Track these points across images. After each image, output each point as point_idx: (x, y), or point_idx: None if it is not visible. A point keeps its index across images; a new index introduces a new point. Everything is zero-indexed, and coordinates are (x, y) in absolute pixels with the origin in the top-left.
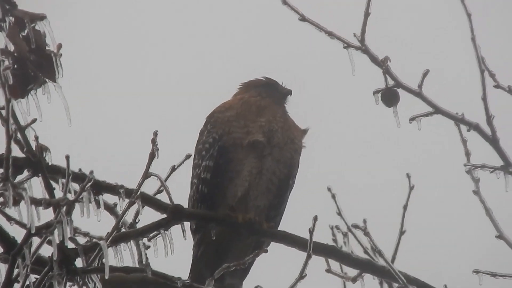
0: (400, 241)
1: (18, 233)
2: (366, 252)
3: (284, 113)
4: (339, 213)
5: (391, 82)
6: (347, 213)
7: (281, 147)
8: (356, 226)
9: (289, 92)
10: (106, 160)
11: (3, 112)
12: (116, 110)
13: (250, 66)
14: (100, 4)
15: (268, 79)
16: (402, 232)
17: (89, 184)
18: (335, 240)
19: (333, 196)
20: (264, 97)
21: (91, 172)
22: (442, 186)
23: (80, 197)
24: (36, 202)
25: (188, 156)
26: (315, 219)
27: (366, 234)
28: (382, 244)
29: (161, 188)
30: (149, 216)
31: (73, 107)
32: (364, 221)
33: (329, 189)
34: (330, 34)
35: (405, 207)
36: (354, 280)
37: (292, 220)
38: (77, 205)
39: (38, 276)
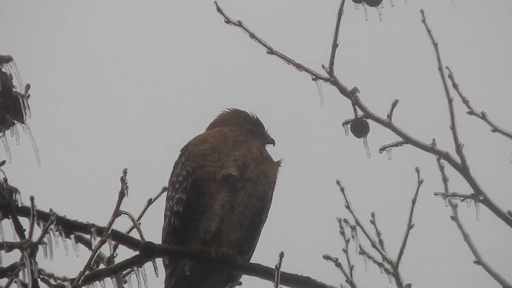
0: (408, 235)
1: None
2: (374, 246)
3: (260, 146)
4: (348, 207)
5: (360, 113)
6: (356, 207)
7: (254, 181)
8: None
9: (272, 142)
10: (77, 200)
11: None
12: (87, 146)
13: (218, 98)
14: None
15: (257, 119)
16: (410, 226)
17: (52, 225)
18: (342, 233)
19: (342, 190)
20: (245, 134)
21: (53, 214)
22: (420, 212)
23: (43, 238)
24: None
25: (164, 189)
26: (281, 255)
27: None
28: (390, 238)
29: (139, 222)
30: (128, 251)
31: (42, 147)
32: (373, 215)
33: (338, 182)
34: (298, 66)
35: (413, 201)
36: None
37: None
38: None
39: None
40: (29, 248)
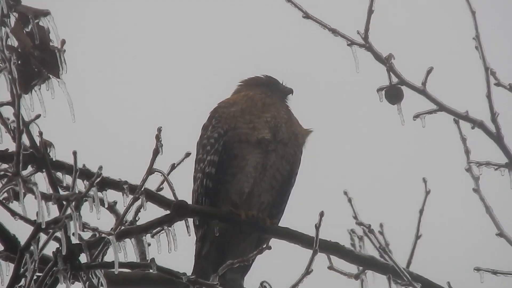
0: (416, 245)
1: (17, 229)
2: (382, 256)
3: (288, 110)
4: (355, 217)
5: (395, 80)
6: (363, 217)
7: (285, 143)
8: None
9: (290, 91)
10: (109, 156)
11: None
12: (118, 106)
13: (253, 64)
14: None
15: (269, 77)
16: (418, 237)
17: (98, 179)
18: (353, 245)
19: (349, 200)
20: (269, 95)
21: (100, 168)
22: (443, 184)
23: (89, 192)
24: (46, 197)
25: (187, 154)
26: (321, 214)
27: (371, 231)
28: (397, 248)
29: (162, 186)
30: (149, 213)
31: (77, 103)
32: (381, 225)
33: (345, 193)
34: (334, 31)
35: (421, 212)
36: (356, 277)
37: (297, 217)
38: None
39: (40, 274)
40: (75, 201)
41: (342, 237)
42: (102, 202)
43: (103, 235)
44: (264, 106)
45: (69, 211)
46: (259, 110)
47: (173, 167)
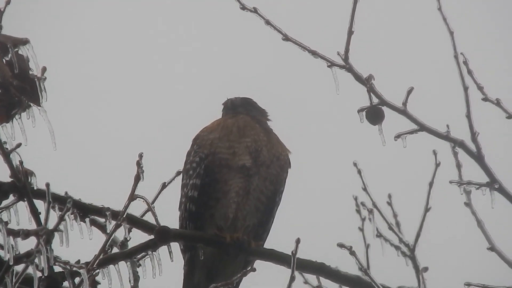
0: (425, 218)
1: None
2: (390, 228)
3: (266, 129)
4: (365, 189)
5: (375, 100)
6: (373, 190)
7: (268, 165)
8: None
9: (265, 112)
10: (91, 182)
11: None
12: (100, 132)
13: (233, 85)
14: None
15: (242, 99)
16: (427, 209)
17: (68, 212)
18: (358, 211)
19: (359, 172)
20: (240, 117)
21: (69, 201)
22: (436, 196)
23: (60, 226)
24: (14, 233)
25: (178, 173)
26: (298, 241)
27: (352, 253)
28: (407, 221)
29: (151, 207)
30: (142, 235)
31: (58, 131)
32: (389, 196)
33: (355, 164)
34: (314, 53)
35: (430, 184)
36: None
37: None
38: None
39: None
40: (45, 235)
41: (349, 210)
42: (92, 223)
43: (74, 269)
44: (239, 131)
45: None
46: (235, 135)
47: (164, 186)
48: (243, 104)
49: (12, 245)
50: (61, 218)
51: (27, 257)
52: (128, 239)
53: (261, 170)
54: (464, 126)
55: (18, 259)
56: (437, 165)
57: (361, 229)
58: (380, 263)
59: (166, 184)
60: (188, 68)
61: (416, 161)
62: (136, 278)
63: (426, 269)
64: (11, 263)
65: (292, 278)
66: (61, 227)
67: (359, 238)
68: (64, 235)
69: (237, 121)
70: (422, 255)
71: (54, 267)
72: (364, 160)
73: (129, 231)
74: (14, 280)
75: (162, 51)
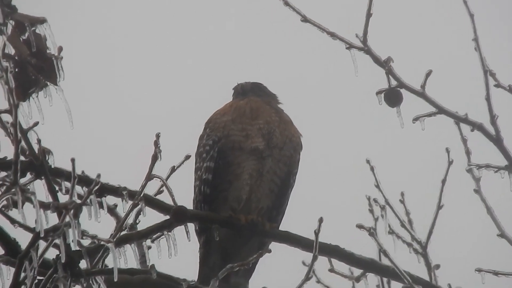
0: (438, 216)
1: (18, 234)
2: (403, 225)
3: (277, 110)
4: (377, 186)
5: (394, 83)
6: (385, 186)
7: (281, 147)
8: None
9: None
10: (108, 162)
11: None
12: (117, 111)
13: (251, 68)
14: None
15: (253, 83)
16: (440, 207)
17: (96, 187)
18: (371, 211)
19: (372, 169)
20: (252, 99)
21: (98, 176)
22: (436, 190)
23: (88, 200)
24: (44, 206)
25: (187, 157)
26: (321, 220)
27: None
28: (419, 218)
29: (162, 189)
30: (151, 217)
31: (75, 110)
32: (402, 194)
33: (368, 161)
34: (332, 35)
35: (443, 182)
36: (357, 279)
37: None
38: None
39: (42, 278)
40: (74, 209)
41: (361, 208)
42: (101, 205)
43: (102, 242)
44: (252, 112)
45: (67, 219)
46: (249, 117)
47: (173, 170)
48: (253, 89)
49: (42, 217)
50: (90, 192)
51: (54, 231)
52: (137, 222)
53: (274, 152)
54: (481, 111)
55: (46, 232)
56: (450, 162)
57: (374, 229)
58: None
59: (176, 167)
60: (203, 52)
61: (428, 157)
62: (144, 261)
63: (438, 266)
64: (41, 235)
65: (315, 257)
66: (89, 201)
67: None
68: (93, 209)
69: (249, 102)
70: (435, 253)
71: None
72: (376, 156)
73: (137, 214)
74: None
75: (177, 35)
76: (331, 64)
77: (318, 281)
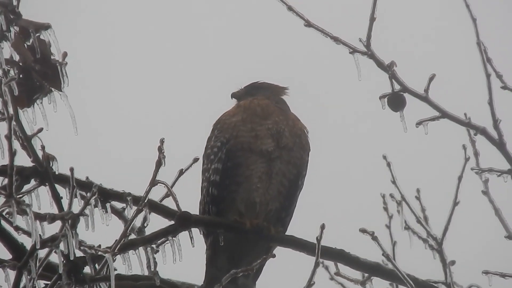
0: (454, 212)
1: (27, 241)
2: (419, 221)
3: (283, 110)
4: (394, 182)
5: (397, 87)
6: (401, 183)
7: (291, 148)
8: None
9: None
10: (112, 167)
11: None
12: (121, 117)
13: (254, 73)
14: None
15: (261, 83)
16: (456, 203)
17: (93, 197)
18: (385, 209)
19: (388, 164)
20: (259, 98)
21: (95, 186)
22: (451, 187)
23: (85, 210)
24: (40, 217)
25: (195, 160)
26: (323, 227)
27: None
28: (435, 214)
29: (168, 193)
30: (158, 220)
31: (79, 116)
32: (418, 191)
33: (384, 157)
34: (336, 39)
35: (459, 178)
36: (363, 283)
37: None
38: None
39: (47, 283)
40: (71, 220)
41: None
42: (106, 211)
43: (99, 253)
44: (263, 111)
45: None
46: (259, 116)
47: (181, 173)
48: (247, 92)
49: (38, 228)
50: (87, 203)
51: (52, 241)
52: (145, 225)
53: (283, 153)
54: (485, 114)
55: (43, 243)
56: (467, 159)
57: (388, 227)
58: (407, 256)
59: (184, 170)
60: (211, 54)
61: (443, 154)
62: (149, 266)
63: (453, 262)
64: (37, 247)
65: (317, 264)
66: (86, 211)
67: (387, 236)
68: (89, 219)
69: (260, 101)
70: (450, 249)
71: (77, 251)
72: (392, 152)
73: (145, 218)
74: (37, 265)
75: (180, 37)
76: (335, 69)
77: (332, 278)
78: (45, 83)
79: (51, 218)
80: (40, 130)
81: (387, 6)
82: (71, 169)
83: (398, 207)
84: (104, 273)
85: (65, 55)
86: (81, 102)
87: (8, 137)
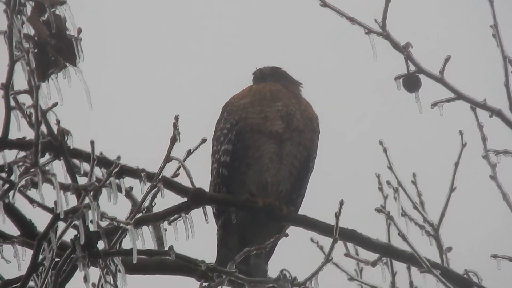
0: (450, 198)
1: (33, 215)
2: (415, 207)
3: (296, 95)
4: (390, 167)
5: (412, 68)
6: (398, 168)
7: (301, 130)
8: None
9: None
10: (126, 143)
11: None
12: (136, 93)
13: (269, 53)
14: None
15: (272, 68)
16: (452, 189)
17: (116, 169)
18: (380, 189)
19: (385, 150)
20: (272, 84)
21: (118, 158)
22: (459, 172)
23: (107, 182)
24: (64, 187)
25: (203, 141)
26: (341, 203)
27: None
28: (431, 200)
29: (177, 172)
30: (166, 200)
31: (94, 91)
32: (414, 175)
33: (380, 143)
34: (351, 20)
35: (456, 164)
36: (374, 264)
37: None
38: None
39: (58, 259)
40: (93, 191)
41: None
42: (119, 188)
43: (121, 224)
44: (273, 95)
45: (87, 200)
46: (268, 100)
47: (189, 153)
48: (271, 73)
49: (62, 199)
50: (110, 174)
51: (73, 213)
52: (153, 204)
53: (294, 135)
54: (500, 98)
55: (66, 214)
56: (463, 145)
57: (383, 207)
58: (403, 241)
59: (192, 151)
60: (225, 36)
61: (441, 139)
62: (161, 243)
63: (450, 248)
64: (61, 216)
65: (335, 240)
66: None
67: (381, 217)
68: (113, 191)
69: (268, 85)
70: (447, 235)
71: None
72: (389, 137)
73: (153, 197)
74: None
75: (197, 20)
76: (349, 49)
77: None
78: (60, 58)
79: (75, 189)
80: (55, 104)
81: None
82: (92, 142)
83: (394, 194)
84: (117, 247)
85: (80, 30)
86: (95, 77)
87: (35, 106)
